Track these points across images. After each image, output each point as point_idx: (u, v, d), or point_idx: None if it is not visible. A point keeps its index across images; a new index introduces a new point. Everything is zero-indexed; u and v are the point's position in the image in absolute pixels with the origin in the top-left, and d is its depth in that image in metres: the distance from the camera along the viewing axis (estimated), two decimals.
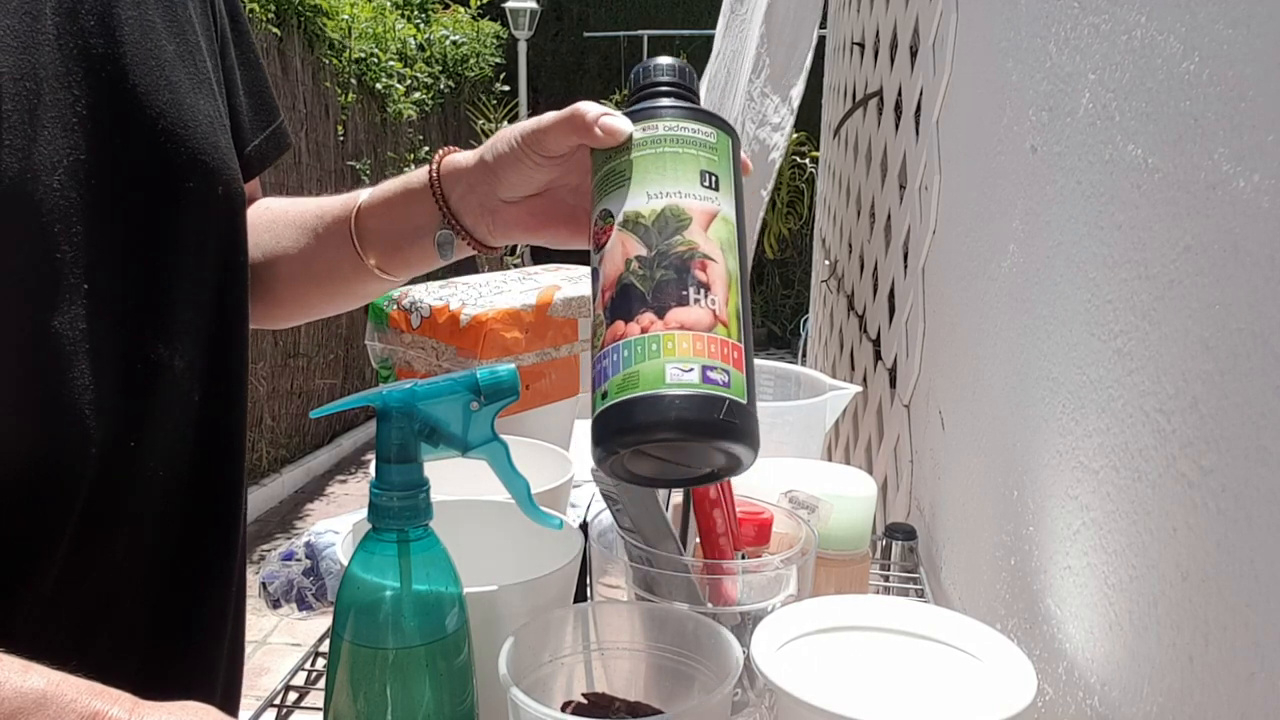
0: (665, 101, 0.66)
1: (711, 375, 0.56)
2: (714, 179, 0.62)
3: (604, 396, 0.58)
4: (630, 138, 0.64)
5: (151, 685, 0.55)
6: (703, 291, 0.58)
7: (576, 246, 0.76)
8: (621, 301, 0.59)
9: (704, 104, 0.68)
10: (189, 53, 0.72)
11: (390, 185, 0.81)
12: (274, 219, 0.87)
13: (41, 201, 0.60)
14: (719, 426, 0.56)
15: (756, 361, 1.24)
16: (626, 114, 0.66)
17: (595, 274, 0.62)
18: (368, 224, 0.81)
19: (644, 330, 0.57)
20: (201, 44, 0.74)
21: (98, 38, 0.64)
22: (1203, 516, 0.53)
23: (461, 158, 0.77)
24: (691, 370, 0.56)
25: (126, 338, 0.66)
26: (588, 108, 0.66)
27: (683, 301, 0.58)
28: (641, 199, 0.61)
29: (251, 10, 4.20)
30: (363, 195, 0.82)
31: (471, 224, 0.77)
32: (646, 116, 0.64)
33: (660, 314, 0.58)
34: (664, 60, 0.68)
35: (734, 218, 0.62)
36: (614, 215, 0.61)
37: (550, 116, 0.69)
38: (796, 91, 2.00)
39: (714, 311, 0.58)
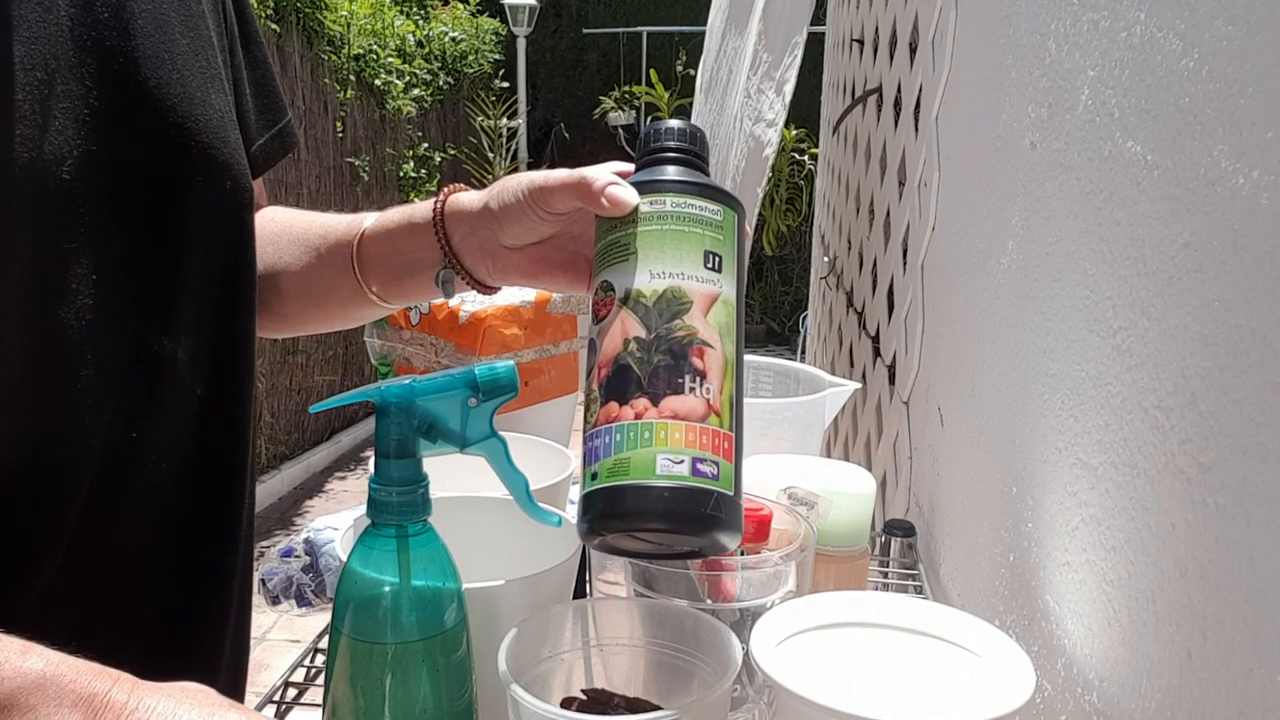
0: (674, 173, 0.64)
1: (701, 468, 0.57)
2: (717, 260, 0.62)
3: (594, 477, 0.58)
4: (636, 209, 0.63)
5: (154, 676, 0.55)
6: (698, 379, 0.59)
7: (576, 292, 0.76)
8: (617, 382, 0.59)
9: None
10: (201, 48, 0.72)
11: (395, 215, 0.81)
12: (277, 232, 0.87)
13: (51, 192, 0.60)
14: (705, 520, 0.57)
15: (756, 358, 1.24)
16: (634, 182, 0.64)
17: (592, 346, 0.62)
18: (370, 251, 0.81)
19: (638, 416, 0.58)
20: (213, 40, 0.74)
21: (111, 30, 0.65)
22: (1201, 513, 0.53)
23: (466, 199, 0.76)
24: (682, 462, 0.57)
25: (132, 329, 0.66)
26: (595, 175, 0.65)
27: (678, 389, 0.58)
28: (644, 277, 0.61)
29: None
30: (368, 221, 0.82)
31: (472, 265, 0.77)
32: (654, 189, 0.64)
33: (655, 401, 0.58)
34: (676, 124, 0.67)
35: (734, 299, 0.62)
36: (615, 290, 0.61)
37: (558, 176, 0.68)
38: (789, 88, 2.00)
39: (708, 401, 0.58)
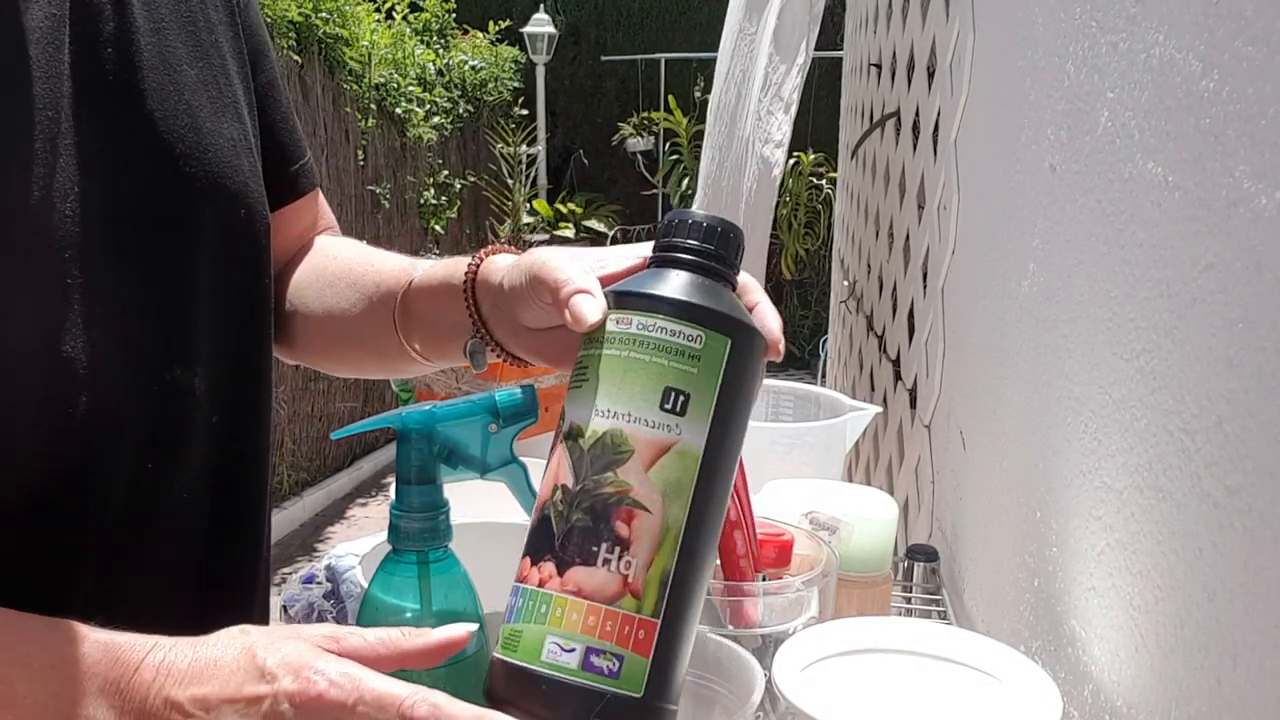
0: (661, 284, 0.53)
1: (595, 662, 0.49)
2: (681, 400, 0.51)
3: (497, 641, 0.52)
4: (604, 326, 0.54)
5: None
6: (617, 550, 0.50)
7: None
8: (535, 535, 0.52)
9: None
10: (213, 78, 0.72)
11: (437, 273, 0.75)
12: (337, 274, 0.84)
13: (55, 228, 0.61)
14: None
15: (777, 383, 1.24)
16: (615, 290, 0.55)
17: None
18: (412, 307, 0.76)
19: (540, 583, 0.50)
20: (230, 68, 0.74)
21: (115, 65, 0.65)
22: (1229, 536, 0.53)
23: (494, 268, 0.69)
24: (573, 651, 0.49)
25: (144, 361, 0.67)
26: (567, 278, 0.57)
27: (588, 560, 0.50)
28: (588, 412, 0.52)
29: (271, 40, 4.24)
30: (417, 272, 0.77)
31: (502, 338, 0.70)
32: (625, 304, 0.53)
33: (561, 569, 0.50)
34: (692, 219, 0.55)
35: (700, 449, 0.51)
36: (564, 420, 0.53)
37: (550, 267, 0.60)
38: (794, 107, 2.02)
39: (624, 578, 0.49)
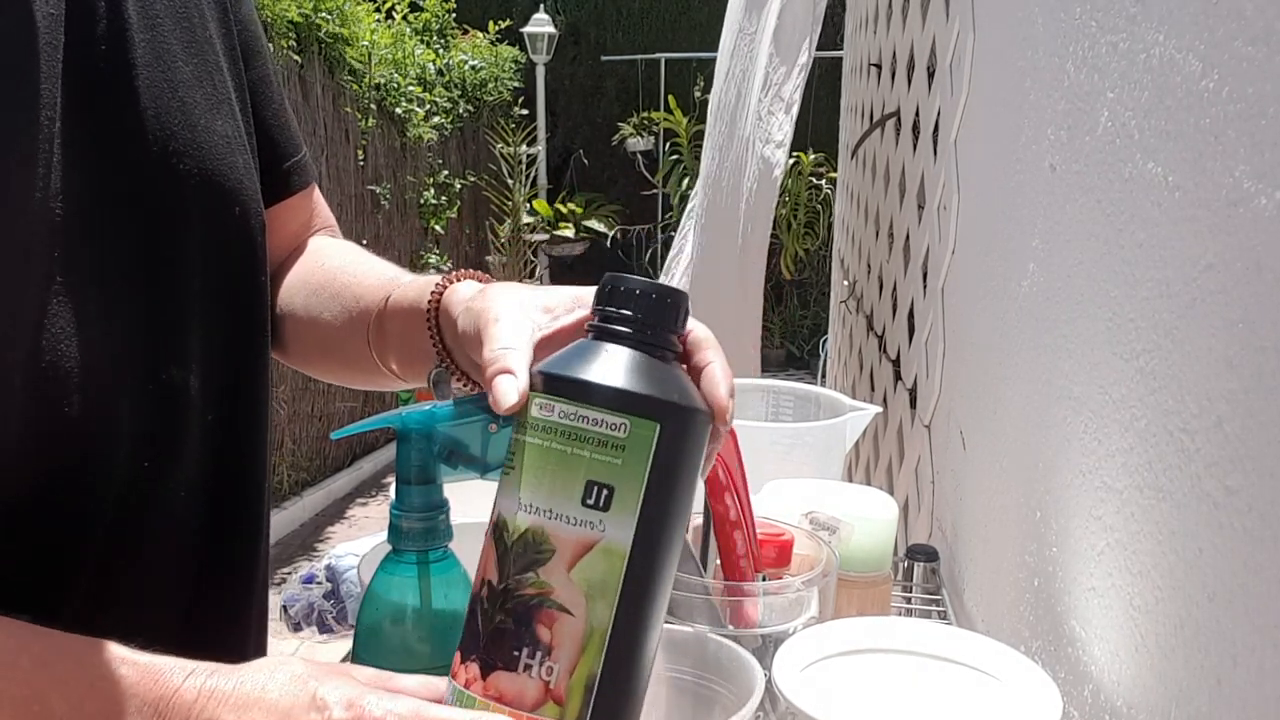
0: (588, 365, 0.50)
1: None
2: (604, 494, 0.48)
3: None
4: (527, 409, 0.51)
5: None
6: (538, 655, 0.48)
7: None
8: (466, 631, 0.51)
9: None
10: (207, 74, 0.72)
11: (408, 295, 0.73)
12: (321, 283, 0.83)
13: (49, 227, 0.61)
14: None
15: (777, 383, 1.24)
16: (540, 370, 0.52)
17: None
18: (387, 327, 0.75)
19: (466, 684, 0.49)
20: (223, 64, 0.74)
21: (108, 63, 0.65)
22: (1229, 537, 0.53)
23: (455, 301, 0.67)
24: None
25: (138, 360, 0.67)
26: (492, 355, 0.54)
27: (509, 664, 0.48)
28: (514, 505, 0.50)
29: (271, 40, 4.24)
30: (395, 290, 0.75)
31: (466, 368, 0.69)
32: (551, 388, 0.50)
33: (484, 671, 0.49)
34: (626, 287, 0.52)
35: (627, 545, 0.48)
36: (494, 509, 0.52)
37: (490, 332, 0.57)
38: (795, 110, 2.02)
39: (546, 684, 0.48)
